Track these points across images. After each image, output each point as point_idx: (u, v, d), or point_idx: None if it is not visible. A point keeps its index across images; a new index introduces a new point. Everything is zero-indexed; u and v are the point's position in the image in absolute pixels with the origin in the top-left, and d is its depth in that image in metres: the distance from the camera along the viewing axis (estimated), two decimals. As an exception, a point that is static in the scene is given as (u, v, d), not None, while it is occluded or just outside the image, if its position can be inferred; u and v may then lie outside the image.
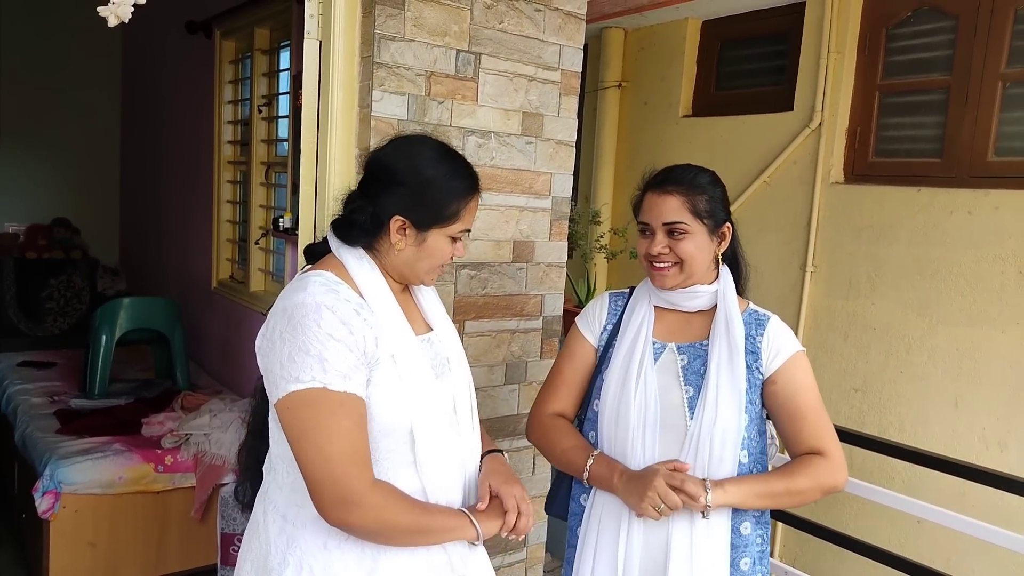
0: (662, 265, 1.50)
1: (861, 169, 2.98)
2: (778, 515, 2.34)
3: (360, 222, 1.27)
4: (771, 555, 3.03)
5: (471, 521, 1.27)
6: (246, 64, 3.90)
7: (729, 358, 1.46)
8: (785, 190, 3.15)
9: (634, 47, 3.77)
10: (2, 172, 5.50)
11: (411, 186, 1.26)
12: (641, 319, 1.55)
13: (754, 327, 1.51)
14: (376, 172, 1.30)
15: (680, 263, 1.48)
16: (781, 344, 1.49)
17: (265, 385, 1.24)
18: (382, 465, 1.23)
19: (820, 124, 3.01)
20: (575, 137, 2.31)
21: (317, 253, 1.34)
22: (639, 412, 1.47)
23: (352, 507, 1.14)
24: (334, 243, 1.30)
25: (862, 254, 2.90)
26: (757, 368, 1.48)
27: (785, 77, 3.23)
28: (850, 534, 2.10)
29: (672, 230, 1.47)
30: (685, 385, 1.48)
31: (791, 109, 3.11)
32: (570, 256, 2.40)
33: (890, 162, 2.92)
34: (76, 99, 5.64)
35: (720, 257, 1.54)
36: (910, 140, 2.88)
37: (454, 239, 1.32)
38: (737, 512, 1.47)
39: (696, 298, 1.53)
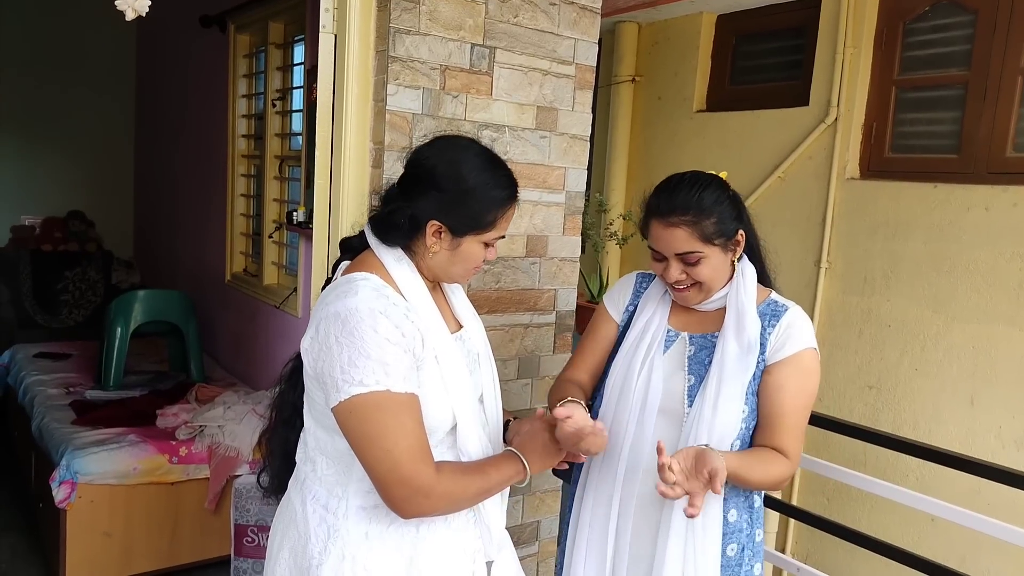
0: (681, 288, 1.51)
1: (877, 165, 2.95)
2: (791, 510, 2.34)
3: (399, 224, 1.28)
4: (783, 551, 3.03)
5: (523, 463, 1.32)
6: (260, 58, 3.92)
7: (736, 353, 1.46)
8: (800, 185, 3.13)
9: (648, 41, 3.75)
10: (18, 166, 5.54)
11: (451, 192, 1.28)
12: (655, 306, 1.58)
13: (768, 318, 1.50)
14: (417, 173, 1.31)
15: (700, 283, 1.49)
16: (789, 337, 1.47)
17: (311, 385, 1.26)
18: None
19: (836, 119, 2.99)
20: (589, 132, 2.31)
21: (353, 247, 1.37)
22: (640, 395, 1.50)
23: (423, 499, 1.19)
24: (373, 241, 1.32)
25: (877, 250, 2.88)
26: (761, 359, 1.48)
27: (801, 72, 3.20)
28: (863, 531, 2.09)
29: (686, 259, 1.47)
30: (688, 374, 1.50)
31: (806, 104, 3.09)
32: (582, 250, 2.39)
33: (906, 158, 2.89)
34: (90, 93, 5.66)
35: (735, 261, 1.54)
36: (927, 136, 2.85)
37: (487, 244, 1.34)
38: (725, 500, 1.47)
39: (710, 303, 1.54)
